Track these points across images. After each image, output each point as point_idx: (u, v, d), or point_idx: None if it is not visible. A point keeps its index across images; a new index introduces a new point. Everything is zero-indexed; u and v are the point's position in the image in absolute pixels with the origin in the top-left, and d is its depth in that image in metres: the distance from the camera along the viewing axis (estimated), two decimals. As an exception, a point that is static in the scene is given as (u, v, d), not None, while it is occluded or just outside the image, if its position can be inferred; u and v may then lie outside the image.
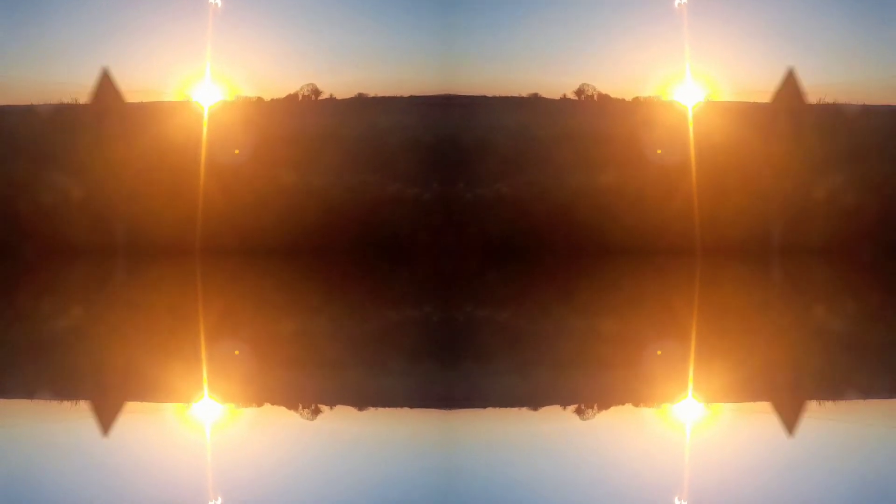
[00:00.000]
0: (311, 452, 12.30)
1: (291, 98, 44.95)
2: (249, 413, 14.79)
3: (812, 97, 45.03)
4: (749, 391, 16.20)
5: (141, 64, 45.60)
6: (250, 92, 44.38)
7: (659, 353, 19.54)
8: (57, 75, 45.74)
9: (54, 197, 43.18)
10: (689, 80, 43.94)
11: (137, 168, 43.02)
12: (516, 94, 43.71)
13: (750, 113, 44.49)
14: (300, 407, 14.99)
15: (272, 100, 44.86)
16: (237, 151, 43.28)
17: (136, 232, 42.52)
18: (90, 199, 43.10)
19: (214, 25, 43.81)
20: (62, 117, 44.32)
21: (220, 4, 43.78)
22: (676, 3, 43.65)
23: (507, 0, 45.85)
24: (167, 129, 43.38)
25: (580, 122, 43.80)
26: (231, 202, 42.47)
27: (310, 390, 16.46)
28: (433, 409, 14.96)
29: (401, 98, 43.45)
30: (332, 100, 44.62)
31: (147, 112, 44.34)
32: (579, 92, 44.37)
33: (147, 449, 12.21)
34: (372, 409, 14.93)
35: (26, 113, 44.89)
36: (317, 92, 44.98)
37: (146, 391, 16.03)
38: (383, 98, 43.97)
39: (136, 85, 44.75)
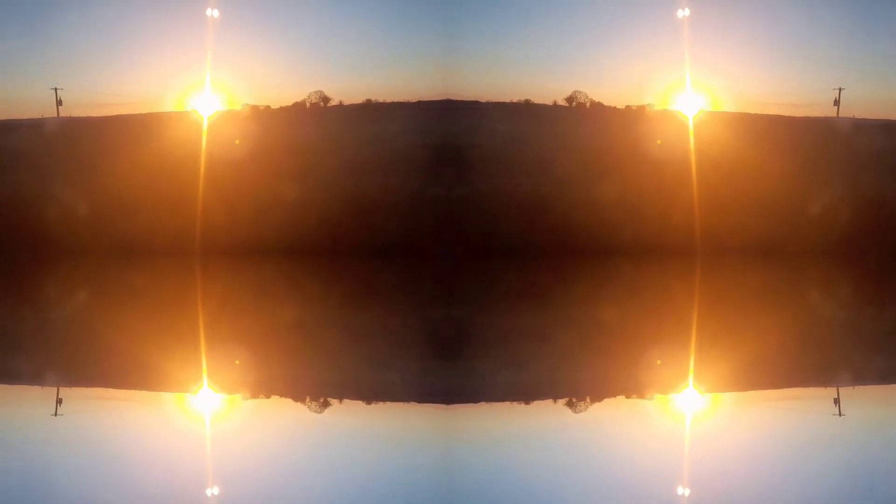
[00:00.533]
0: (309, 444, 12.33)
1: (299, 106, 45.04)
2: (251, 404, 14.89)
3: (807, 110, 45.52)
4: (745, 384, 16.35)
5: (144, 76, 45.93)
6: (258, 101, 44.65)
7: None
8: (61, 88, 45.97)
9: (59, 208, 43.26)
10: (690, 90, 43.93)
11: (139, 178, 43.07)
12: (513, 100, 43.87)
13: (749, 124, 44.61)
14: (307, 399, 15.09)
15: (280, 107, 45.01)
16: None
17: (138, 240, 42.64)
18: (93, 210, 43.16)
19: (214, 36, 43.98)
20: (67, 130, 44.52)
21: (216, 15, 43.86)
22: (679, 14, 43.65)
23: (510, 9, 45.81)
24: (168, 140, 43.48)
25: (578, 130, 43.78)
26: (231, 210, 42.36)
27: (313, 384, 16.57)
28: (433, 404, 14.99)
29: (406, 103, 43.43)
30: (336, 107, 44.50)
31: (148, 123, 44.58)
32: (570, 99, 44.44)
33: (148, 437, 12.40)
34: (373, 404, 15.01)
35: (33, 126, 45.12)
36: (325, 99, 45.16)
37: (153, 383, 16.33)
38: (388, 104, 44.00)
39: (138, 97, 45.13)
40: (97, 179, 43.67)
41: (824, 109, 45.09)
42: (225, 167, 43.00)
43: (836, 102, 44.81)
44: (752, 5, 45.13)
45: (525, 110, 44.07)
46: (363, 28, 46.98)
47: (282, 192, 42.91)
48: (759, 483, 9.94)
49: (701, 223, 42.63)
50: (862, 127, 45.11)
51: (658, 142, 42.98)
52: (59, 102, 45.02)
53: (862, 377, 17.07)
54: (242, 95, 44.97)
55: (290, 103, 45.11)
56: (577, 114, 44.29)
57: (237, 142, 43.16)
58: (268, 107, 45.04)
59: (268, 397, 15.61)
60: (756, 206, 43.02)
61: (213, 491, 9.87)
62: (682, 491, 9.92)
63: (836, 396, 15.05)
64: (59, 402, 14.59)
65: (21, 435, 12.37)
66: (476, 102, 43.18)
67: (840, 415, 13.65)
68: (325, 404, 14.75)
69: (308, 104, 45.08)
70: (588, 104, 44.26)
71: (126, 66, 46.33)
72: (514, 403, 14.98)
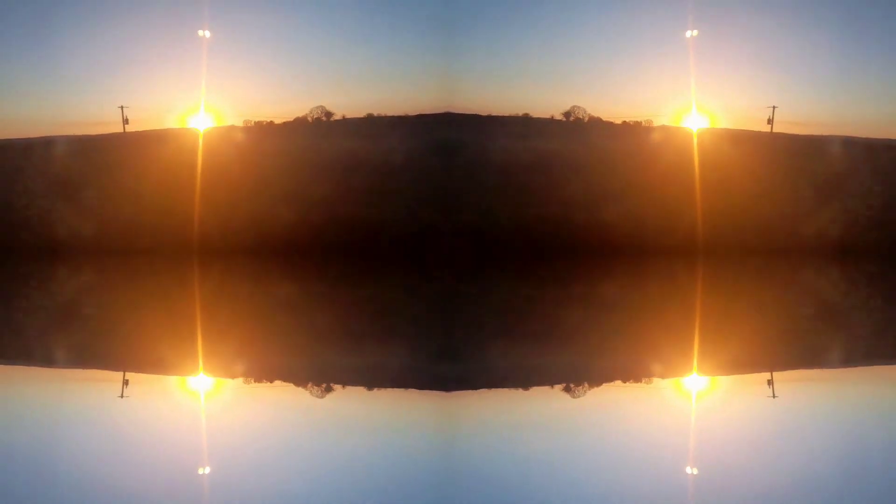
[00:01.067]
0: (302, 429, 12.39)
1: (300, 121, 45.15)
2: (253, 389, 15.05)
3: (799, 129, 45.79)
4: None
5: (146, 98, 46.21)
6: (261, 117, 44.85)
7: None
8: (70, 109, 46.29)
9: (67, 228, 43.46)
10: (694, 107, 44.30)
11: (140, 192, 43.29)
12: (514, 114, 44.20)
13: (746, 140, 44.82)
14: (309, 384, 15.25)
15: (283, 122, 45.17)
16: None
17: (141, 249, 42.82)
18: (102, 228, 43.37)
19: (215, 55, 44.32)
20: (72, 149, 44.85)
21: (208, 35, 44.09)
22: (688, 34, 43.87)
23: (515, 26, 45.87)
24: (167, 157, 43.74)
25: (582, 141, 43.82)
26: (226, 223, 42.42)
27: (314, 369, 16.84)
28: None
29: (406, 117, 43.56)
30: (337, 122, 44.66)
31: (147, 141, 44.81)
32: (567, 113, 44.49)
33: (147, 416, 12.66)
34: (375, 391, 15.11)
35: (46, 145, 45.47)
36: (328, 114, 45.30)
37: (150, 368, 16.67)
38: (388, 118, 44.11)
39: (140, 114, 45.33)
40: (103, 192, 43.74)
41: (824, 128, 45.43)
42: (221, 179, 43.04)
43: (770, 121, 45.12)
44: (752, 26, 45.40)
45: (525, 124, 44.08)
46: (364, 45, 47.16)
47: (279, 204, 42.88)
48: (761, 466, 10.10)
49: (703, 229, 42.65)
50: (850, 144, 45.33)
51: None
52: (125, 121, 45.27)
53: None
54: (243, 111, 45.18)
55: (292, 118, 45.11)
56: (580, 127, 44.30)
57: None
58: (271, 122, 45.09)
59: (271, 382, 15.75)
60: (755, 220, 43.09)
61: (205, 470, 10.00)
62: (690, 470, 10.09)
63: (772, 379, 15.37)
64: (125, 383, 14.86)
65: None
66: (476, 116, 43.30)
67: (774, 396, 13.88)
68: (328, 389, 14.89)
69: (311, 119, 45.08)
70: (586, 119, 44.28)
71: (130, 85, 46.57)
72: (514, 390, 15.10)
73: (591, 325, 23.39)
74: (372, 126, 44.56)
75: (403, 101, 45.05)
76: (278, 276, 38.65)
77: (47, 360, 17.47)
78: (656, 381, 15.59)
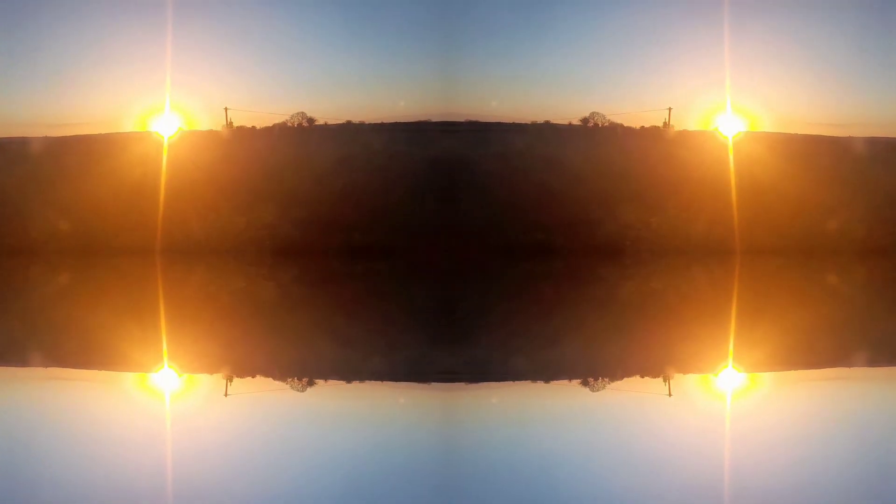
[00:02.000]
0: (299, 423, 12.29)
1: (280, 126, 45.09)
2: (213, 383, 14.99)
3: (829, 130, 45.82)
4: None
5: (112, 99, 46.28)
6: (242, 122, 44.64)
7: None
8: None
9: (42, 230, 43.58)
10: (729, 106, 43.94)
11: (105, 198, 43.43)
12: (534, 121, 43.87)
13: (785, 144, 45.04)
14: (293, 380, 15.14)
15: (264, 128, 44.98)
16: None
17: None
18: (76, 232, 43.44)
19: (191, 55, 44.54)
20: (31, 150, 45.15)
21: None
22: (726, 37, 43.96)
23: (537, 32, 46.00)
24: (144, 159, 43.86)
25: (599, 150, 43.97)
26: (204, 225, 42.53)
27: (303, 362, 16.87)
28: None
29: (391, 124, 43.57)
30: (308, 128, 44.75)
31: (111, 142, 45.04)
32: (586, 120, 44.50)
33: (106, 416, 12.54)
34: (373, 384, 15.12)
35: (20, 145, 45.70)
36: (310, 120, 45.23)
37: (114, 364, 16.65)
38: (370, 125, 44.19)
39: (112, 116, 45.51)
40: (71, 198, 43.83)
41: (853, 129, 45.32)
42: (203, 181, 43.11)
43: (666, 124, 45.07)
44: (785, 27, 45.46)
45: (546, 130, 44.14)
46: (356, 51, 47.20)
47: (263, 206, 42.96)
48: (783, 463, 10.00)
49: (722, 229, 42.86)
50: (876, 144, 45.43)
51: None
52: (230, 124, 45.17)
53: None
54: (221, 115, 45.25)
55: (272, 124, 45.19)
56: (597, 135, 44.31)
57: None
58: (253, 127, 45.19)
59: (253, 377, 15.71)
60: (778, 219, 43.17)
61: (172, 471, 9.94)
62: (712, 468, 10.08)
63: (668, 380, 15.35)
64: (229, 380, 15.04)
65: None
66: (499, 124, 43.35)
67: (669, 395, 14.01)
68: (310, 383, 14.78)
69: (294, 125, 45.19)
70: (606, 125, 44.23)
71: (109, 82, 46.59)
72: (532, 383, 15.22)
73: (609, 324, 23.41)
74: (375, 133, 44.48)
75: (389, 109, 44.77)
76: (265, 277, 38.56)
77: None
78: (677, 376, 15.64)
